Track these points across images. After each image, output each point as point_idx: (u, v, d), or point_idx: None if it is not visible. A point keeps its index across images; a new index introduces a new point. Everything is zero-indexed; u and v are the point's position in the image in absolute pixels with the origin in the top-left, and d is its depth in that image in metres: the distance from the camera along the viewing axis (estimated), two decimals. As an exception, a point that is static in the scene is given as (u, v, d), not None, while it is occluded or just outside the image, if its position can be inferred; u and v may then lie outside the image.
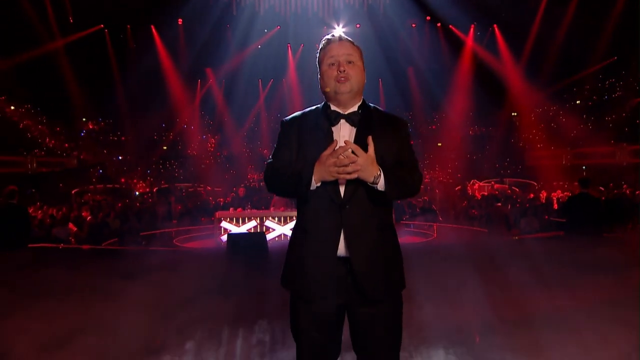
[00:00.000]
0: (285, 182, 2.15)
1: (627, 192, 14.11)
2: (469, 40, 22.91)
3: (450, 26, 22.53)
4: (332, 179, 2.01)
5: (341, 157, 1.94)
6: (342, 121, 2.18)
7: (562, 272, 4.67)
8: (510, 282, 4.51)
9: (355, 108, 2.21)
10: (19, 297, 4.17)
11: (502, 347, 3.23)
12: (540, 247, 6.00)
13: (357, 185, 2.05)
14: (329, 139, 2.12)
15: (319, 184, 2.05)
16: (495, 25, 22.22)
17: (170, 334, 3.66)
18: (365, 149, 1.99)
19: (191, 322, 3.84)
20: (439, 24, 22.49)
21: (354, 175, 1.97)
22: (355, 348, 2.22)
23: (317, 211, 2.12)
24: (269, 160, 2.25)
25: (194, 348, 3.37)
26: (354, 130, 2.17)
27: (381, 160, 2.06)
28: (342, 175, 1.97)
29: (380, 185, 2.01)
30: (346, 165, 1.94)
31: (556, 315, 3.71)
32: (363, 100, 2.26)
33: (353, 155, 1.94)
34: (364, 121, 2.18)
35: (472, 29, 22.89)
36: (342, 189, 2.09)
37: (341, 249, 2.11)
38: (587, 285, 4.35)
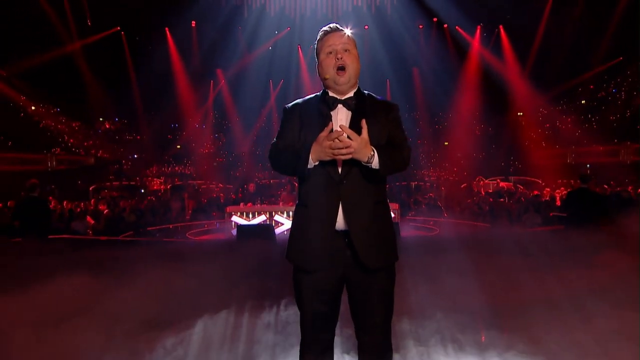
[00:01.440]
0: (286, 161, 2.30)
1: (629, 189, 14.05)
2: (476, 41, 22.88)
3: (457, 27, 22.55)
4: (328, 158, 2.15)
5: (336, 140, 2.07)
6: (340, 106, 2.33)
7: (556, 261, 4.78)
8: (505, 269, 4.63)
9: (351, 94, 2.36)
10: (28, 278, 4.32)
11: (492, 326, 3.35)
12: (537, 239, 6.09)
13: (354, 161, 2.18)
14: (328, 123, 2.26)
15: (316, 163, 2.19)
16: (501, 26, 22.19)
17: (176, 313, 3.80)
18: (360, 131, 2.13)
19: (198, 302, 3.98)
20: (445, 25, 22.49)
21: (349, 157, 2.10)
22: (353, 315, 2.36)
23: (316, 187, 2.26)
24: (273, 141, 2.40)
25: (201, 325, 3.49)
26: (350, 114, 2.32)
27: (376, 141, 2.19)
28: (337, 157, 2.12)
29: (374, 164, 2.14)
30: (341, 148, 2.07)
31: (546, 301, 3.82)
32: (358, 87, 2.40)
33: (348, 139, 2.07)
34: (359, 106, 2.33)
35: (478, 30, 22.87)
36: (339, 166, 2.22)
37: (339, 223, 2.24)
38: (578, 273, 4.46)
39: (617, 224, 6.25)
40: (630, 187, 14.37)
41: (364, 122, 2.13)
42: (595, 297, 3.82)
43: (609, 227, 6.02)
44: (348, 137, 2.07)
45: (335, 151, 2.09)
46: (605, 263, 4.60)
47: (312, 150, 2.15)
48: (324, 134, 2.11)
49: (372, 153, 2.12)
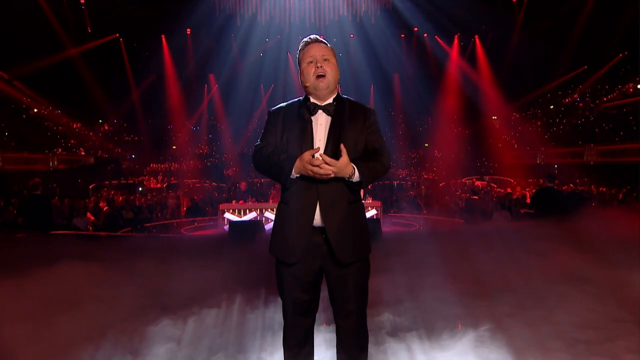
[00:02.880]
0: (269, 169, 2.34)
1: (592, 187, 14.35)
2: (454, 49, 23.18)
3: (436, 37, 22.79)
4: (308, 175, 2.19)
5: (317, 168, 2.11)
6: (320, 111, 2.36)
7: (518, 253, 4.95)
8: (473, 260, 4.76)
9: (330, 100, 2.39)
10: (32, 268, 4.36)
11: (461, 310, 3.46)
12: (505, 234, 6.23)
13: None
14: (309, 128, 2.32)
15: (298, 175, 2.24)
16: (476, 36, 22.47)
17: (171, 300, 3.86)
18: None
19: (191, 291, 4.02)
20: (425, 35, 22.71)
21: (327, 178, 2.15)
22: (332, 302, 2.42)
23: (296, 187, 2.30)
24: (257, 144, 2.43)
25: (195, 311, 3.54)
26: (329, 119, 2.35)
27: (354, 144, 2.26)
28: (317, 176, 2.15)
29: (355, 178, 2.19)
30: (322, 174, 2.12)
31: (508, 289, 3.95)
32: (338, 93, 2.44)
33: (328, 167, 2.10)
34: (338, 111, 2.37)
35: (456, 39, 23.15)
36: None
37: (317, 220, 2.29)
38: (536, 263, 4.63)
39: (575, 219, 6.46)
40: (593, 186, 14.67)
41: (342, 146, 2.15)
42: (550, 282, 4.04)
43: (568, 222, 6.21)
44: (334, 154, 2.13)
45: (316, 175, 2.14)
46: (560, 253, 4.79)
47: (294, 165, 2.21)
48: (307, 153, 2.15)
49: (352, 171, 2.17)
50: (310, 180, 2.23)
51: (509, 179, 19.98)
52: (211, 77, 23.70)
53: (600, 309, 3.44)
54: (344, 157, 2.13)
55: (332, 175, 2.12)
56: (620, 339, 3.00)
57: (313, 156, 2.14)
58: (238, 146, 23.71)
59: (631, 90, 19.11)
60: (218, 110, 24.42)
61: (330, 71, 2.35)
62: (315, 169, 2.11)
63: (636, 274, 3.96)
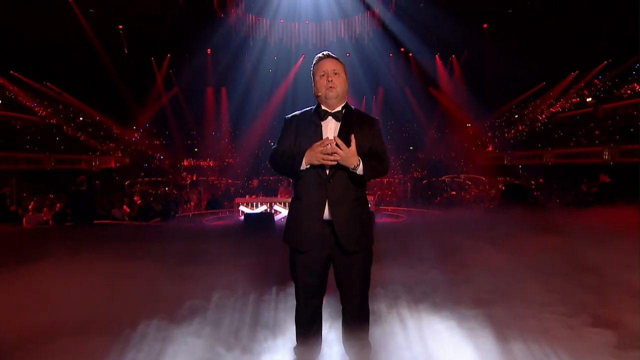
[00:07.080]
0: (283, 164, 2.29)
1: (555, 186, 14.29)
2: (436, 66, 23.20)
3: (420, 55, 22.78)
4: (317, 163, 2.15)
5: (328, 147, 2.06)
6: (330, 118, 2.31)
7: (491, 238, 4.92)
8: (452, 245, 4.73)
9: (339, 108, 2.33)
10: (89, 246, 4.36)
11: (444, 286, 3.41)
12: (479, 223, 6.21)
13: (340, 165, 2.17)
14: (319, 132, 2.28)
15: (308, 166, 2.19)
16: (453, 56, 22.43)
17: (196, 274, 3.84)
18: (348, 141, 2.13)
19: (210, 276, 3.98)
20: (410, 54, 22.70)
21: (334, 163, 2.11)
22: (338, 286, 2.38)
23: (308, 184, 2.26)
24: (274, 147, 2.39)
25: (217, 293, 3.48)
26: (338, 124, 2.30)
27: (360, 148, 2.18)
28: (325, 162, 2.12)
29: (360, 171, 2.15)
30: (330, 154, 2.07)
31: (483, 268, 3.92)
32: (346, 102, 2.38)
33: (337, 147, 2.07)
34: (346, 118, 2.32)
35: (437, 58, 23.13)
36: (327, 168, 2.22)
37: (326, 214, 2.24)
38: (505, 245, 4.62)
39: (536, 211, 6.46)
40: (550, 183, 14.61)
41: (353, 137, 2.12)
42: (517, 263, 4.05)
43: (533, 213, 6.20)
44: (338, 146, 2.07)
45: (325, 156, 2.10)
46: (528, 239, 4.78)
47: (305, 155, 2.17)
48: (318, 142, 2.12)
49: (358, 163, 2.13)
50: (320, 178, 2.19)
51: (481, 177, 19.93)
52: (223, 90, 23.76)
53: (559, 287, 3.41)
54: (353, 147, 2.09)
55: (339, 159, 2.06)
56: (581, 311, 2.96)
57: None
58: (249, 149, 23.65)
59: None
60: (234, 118, 24.40)
61: (340, 83, 2.30)
62: (325, 149, 2.06)
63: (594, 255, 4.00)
